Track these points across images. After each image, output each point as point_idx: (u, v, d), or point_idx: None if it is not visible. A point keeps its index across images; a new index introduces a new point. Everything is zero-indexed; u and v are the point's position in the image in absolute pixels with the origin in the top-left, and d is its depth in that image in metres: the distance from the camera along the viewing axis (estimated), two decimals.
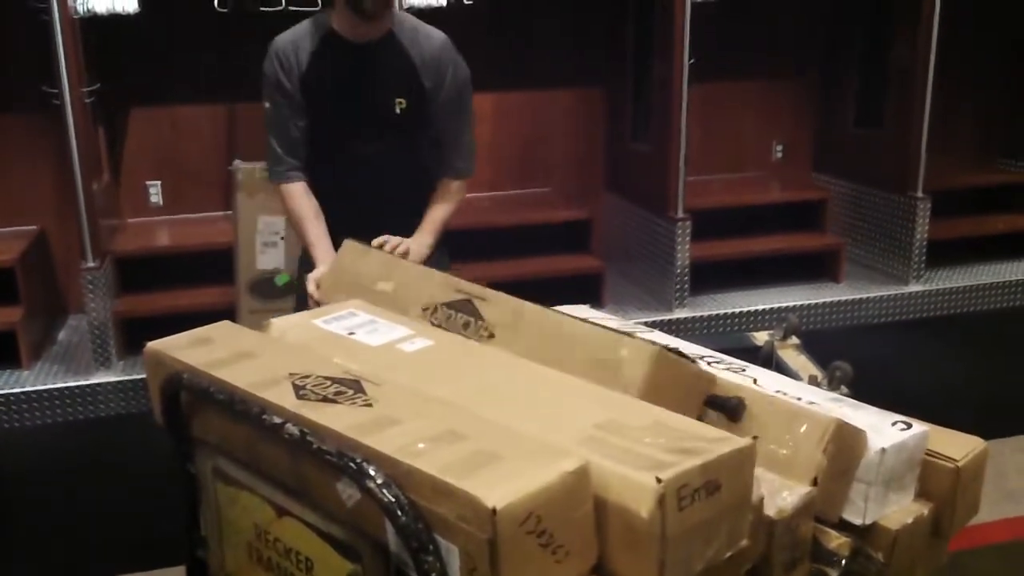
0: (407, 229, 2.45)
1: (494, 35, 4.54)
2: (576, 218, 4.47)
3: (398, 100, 2.44)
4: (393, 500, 1.18)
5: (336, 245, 2.40)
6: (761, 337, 3.01)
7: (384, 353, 1.69)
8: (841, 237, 4.85)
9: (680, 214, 4.25)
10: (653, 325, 4.13)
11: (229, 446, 1.53)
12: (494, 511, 1.10)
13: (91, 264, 3.60)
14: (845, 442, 1.68)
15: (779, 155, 5.24)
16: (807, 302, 4.41)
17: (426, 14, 3.96)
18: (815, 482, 1.63)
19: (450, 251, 2.67)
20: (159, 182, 4.42)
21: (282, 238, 3.54)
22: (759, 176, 5.15)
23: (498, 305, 1.76)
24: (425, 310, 1.85)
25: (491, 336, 1.73)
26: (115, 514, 2.87)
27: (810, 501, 1.58)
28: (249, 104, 4.40)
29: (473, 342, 1.77)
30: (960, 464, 1.87)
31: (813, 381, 2.58)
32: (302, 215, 2.47)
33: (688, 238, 4.26)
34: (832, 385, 2.71)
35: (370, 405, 1.39)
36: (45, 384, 3.56)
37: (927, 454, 1.88)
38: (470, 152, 2.57)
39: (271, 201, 3.52)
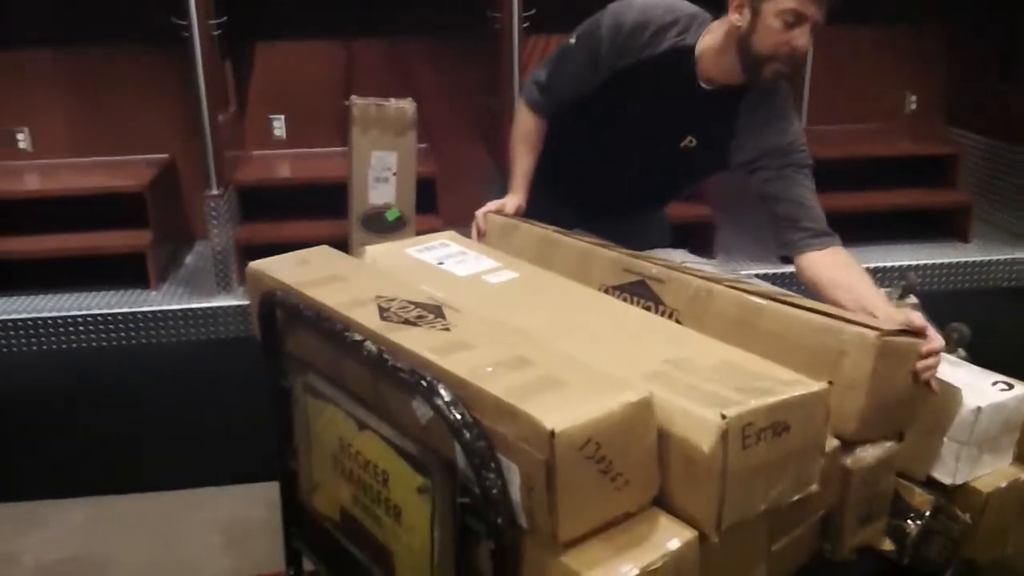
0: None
1: None
2: None
3: (690, 137, 2.08)
4: (459, 418, 1.22)
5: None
6: None
7: (469, 283, 1.73)
8: (976, 196, 4.60)
9: None
10: (762, 277, 4.05)
11: (317, 362, 1.60)
12: (552, 433, 1.13)
13: (215, 192, 3.77)
14: (936, 398, 1.62)
15: (912, 107, 4.99)
16: (931, 261, 4.22)
17: None
18: (901, 437, 1.59)
19: None
20: (283, 116, 4.56)
21: (394, 174, 3.61)
22: (889, 127, 4.91)
23: (678, 287, 1.62)
24: None
25: (679, 324, 1.58)
26: (227, 429, 3.03)
27: (892, 455, 1.54)
28: (368, 40, 4.50)
29: (558, 277, 1.78)
30: None
31: None
32: (522, 139, 2.21)
33: None
34: (949, 347, 2.61)
35: (448, 330, 1.43)
36: (170, 305, 3.77)
37: None
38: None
39: (384, 137, 3.59)
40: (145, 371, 3.56)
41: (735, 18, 1.87)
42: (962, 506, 1.70)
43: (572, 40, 2.10)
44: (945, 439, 1.70)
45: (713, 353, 1.42)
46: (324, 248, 1.85)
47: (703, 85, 1.99)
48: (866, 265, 4.14)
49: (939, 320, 2.62)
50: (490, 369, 1.27)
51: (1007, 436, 1.79)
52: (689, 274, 1.65)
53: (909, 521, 1.59)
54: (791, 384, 1.29)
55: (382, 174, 3.60)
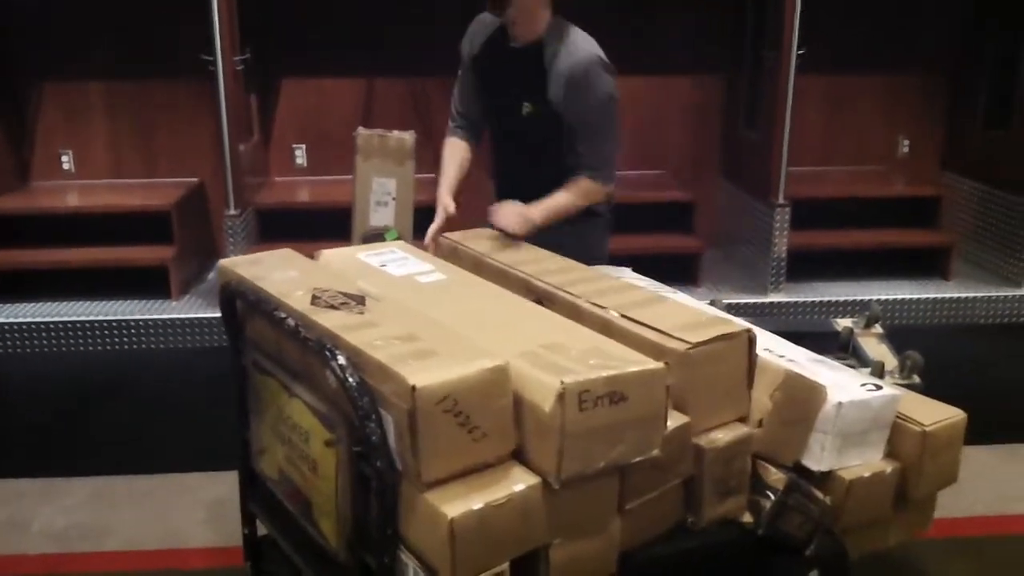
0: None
1: (614, 22, 4.75)
2: (679, 200, 4.64)
3: (525, 104, 2.51)
4: (349, 378, 1.49)
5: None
6: (843, 323, 3.13)
7: (402, 281, 2.01)
8: (962, 237, 4.78)
9: (780, 200, 4.34)
10: (745, 307, 4.28)
11: (264, 342, 1.89)
12: (414, 388, 1.40)
13: (232, 212, 4.12)
14: (797, 392, 1.86)
15: (905, 150, 5.19)
16: (907, 296, 4.40)
17: None
18: (760, 424, 1.82)
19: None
20: (304, 146, 4.93)
21: (393, 198, 3.91)
22: (881, 170, 5.12)
23: (560, 306, 1.93)
24: None
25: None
26: (222, 423, 3.32)
27: (745, 439, 1.78)
28: (386, 78, 4.86)
29: (482, 280, 2.06)
30: (928, 429, 2.00)
31: (878, 369, 2.71)
32: (444, 161, 2.77)
33: (787, 224, 4.35)
34: (904, 373, 2.82)
35: (362, 314, 1.71)
36: (188, 314, 4.11)
37: (899, 417, 2.02)
38: (604, 160, 2.54)
39: (385, 165, 3.90)
40: (158, 372, 3.90)
41: None
42: (828, 491, 1.91)
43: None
44: (814, 431, 1.92)
45: (586, 340, 1.68)
46: (287, 251, 2.14)
47: (513, 45, 2.53)
48: (843, 298, 4.37)
49: (903, 349, 2.84)
50: (379, 342, 1.55)
51: (876, 433, 2.00)
52: (567, 293, 1.93)
53: (765, 498, 1.81)
54: (632, 362, 1.55)
55: (382, 198, 3.91)
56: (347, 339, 1.58)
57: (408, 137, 3.89)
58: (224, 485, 2.91)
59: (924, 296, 4.40)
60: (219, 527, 2.71)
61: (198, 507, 2.83)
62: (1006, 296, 4.42)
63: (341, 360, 1.51)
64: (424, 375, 1.42)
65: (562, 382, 1.44)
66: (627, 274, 2.53)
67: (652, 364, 1.55)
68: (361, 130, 3.94)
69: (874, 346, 3.02)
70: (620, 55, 5.11)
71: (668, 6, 4.82)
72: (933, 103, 5.09)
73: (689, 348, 1.66)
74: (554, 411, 1.44)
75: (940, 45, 5.00)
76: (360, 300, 1.78)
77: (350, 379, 1.49)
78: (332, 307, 1.74)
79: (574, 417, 1.46)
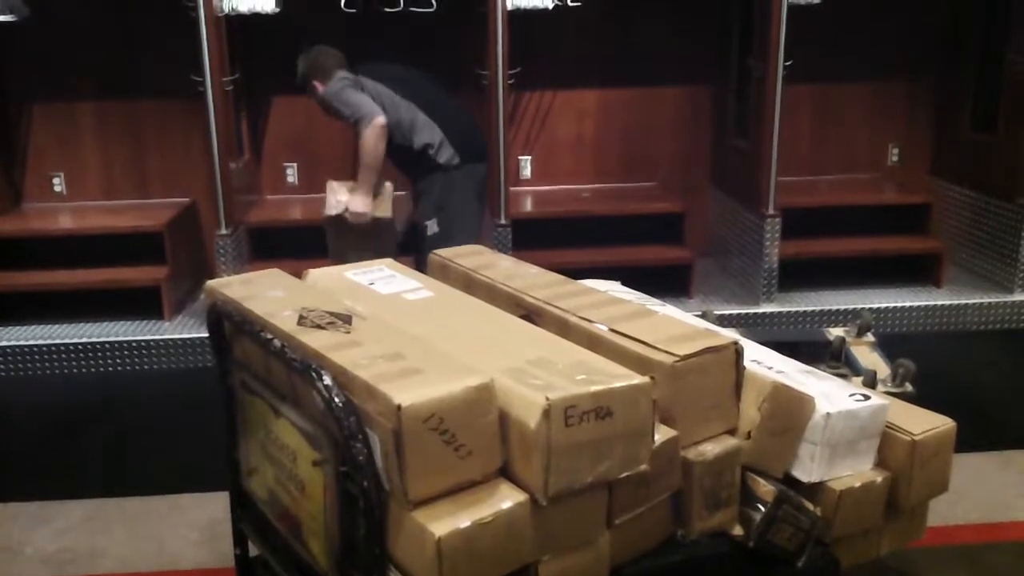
0: None
1: (603, 34, 4.79)
2: (669, 211, 4.65)
3: None
4: (335, 398, 1.49)
5: None
6: (835, 332, 3.14)
7: (389, 299, 2.01)
8: (952, 243, 4.79)
9: (771, 211, 4.35)
10: (737, 318, 4.29)
11: (251, 363, 1.89)
12: (399, 407, 1.40)
13: (224, 231, 4.13)
14: (784, 404, 1.86)
15: (895, 158, 5.20)
16: (899, 304, 4.41)
17: (533, 16, 4.26)
18: (749, 436, 1.82)
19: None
20: (295, 164, 4.94)
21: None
22: (871, 178, 5.14)
23: (548, 320, 1.93)
24: None
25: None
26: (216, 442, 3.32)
27: (734, 451, 1.77)
28: None
29: (469, 296, 2.06)
30: (917, 438, 2.00)
31: (870, 377, 2.72)
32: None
33: (777, 234, 4.36)
34: (896, 381, 2.83)
35: (348, 332, 1.71)
36: (181, 334, 4.11)
37: (888, 427, 2.02)
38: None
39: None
40: (152, 393, 3.89)
41: None
42: (818, 502, 1.91)
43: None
44: (803, 442, 1.93)
45: (571, 356, 1.68)
46: (274, 270, 2.14)
47: None
48: (835, 307, 4.37)
49: (895, 357, 2.85)
50: (365, 361, 1.55)
51: (866, 442, 2.00)
52: (556, 308, 1.92)
53: (755, 510, 1.80)
54: (618, 377, 1.55)
55: None
56: (333, 359, 1.58)
57: (388, 184, 3.90)
58: (217, 505, 2.90)
59: (916, 304, 4.41)
60: (212, 548, 2.70)
61: (191, 528, 2.83)
62: (998, 302, 4.42)
63: (327, 380, 1.51)
64: (409, 393, 1.42)
65: (547, 398, 1.45)
66: (616, 288, 2.54)
67: (638, 379, 1.55)
68: (332, 183, 3.96)
69: (866, 355, 3.03)
70: (608, 66, 5.16)
71: (654, 16, 4.85)
72: (922, 110, 5.12)
73: (676, 361, 1.66)
74: (540, 427, 1.44)
75: (926, 51, 5.03)
76: (347, 319, 1.78)
77: (336, 399, 1.49)
78: (318, 327, 1.74)
79: (560, 433, 1.46)
